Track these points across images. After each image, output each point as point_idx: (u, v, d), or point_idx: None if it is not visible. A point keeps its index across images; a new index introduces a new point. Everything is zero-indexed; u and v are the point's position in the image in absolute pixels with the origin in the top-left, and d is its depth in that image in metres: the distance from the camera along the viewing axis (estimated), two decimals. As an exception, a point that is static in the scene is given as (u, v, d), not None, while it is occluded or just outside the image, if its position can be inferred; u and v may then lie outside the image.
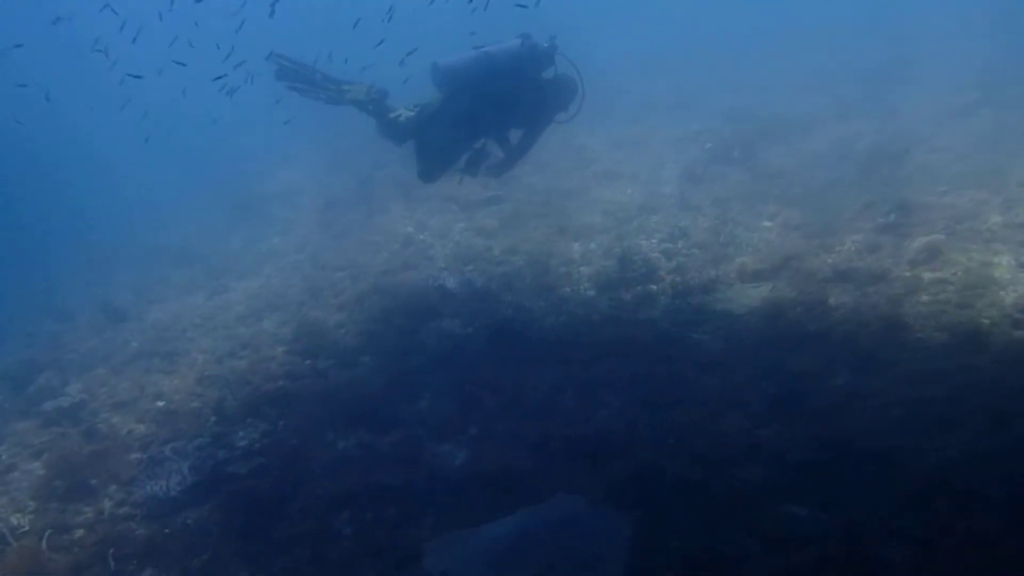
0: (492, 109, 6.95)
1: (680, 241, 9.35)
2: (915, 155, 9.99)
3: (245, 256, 11.84)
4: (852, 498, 4.24)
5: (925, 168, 9.49)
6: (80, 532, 5.62)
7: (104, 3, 10.23)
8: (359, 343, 7.87)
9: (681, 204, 10.52)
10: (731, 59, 17.55)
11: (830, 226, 8.60)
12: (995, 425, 4.42)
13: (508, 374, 6.88)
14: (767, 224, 9.41)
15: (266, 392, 6.99)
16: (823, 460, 4.64)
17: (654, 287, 8.20)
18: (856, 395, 5.36)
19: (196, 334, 8.96)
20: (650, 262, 8.71)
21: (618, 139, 13.85)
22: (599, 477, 5.04)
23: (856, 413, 5.10)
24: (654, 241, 9.53)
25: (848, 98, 13.99)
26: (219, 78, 8.82)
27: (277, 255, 11.56)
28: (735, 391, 5.85)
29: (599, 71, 8.41)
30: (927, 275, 6.70)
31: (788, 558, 3.96)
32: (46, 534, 5.52)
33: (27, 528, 5.68)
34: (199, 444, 6.32)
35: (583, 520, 4.64)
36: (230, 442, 6.27)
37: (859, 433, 4.81)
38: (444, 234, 11.01)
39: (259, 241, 12.42)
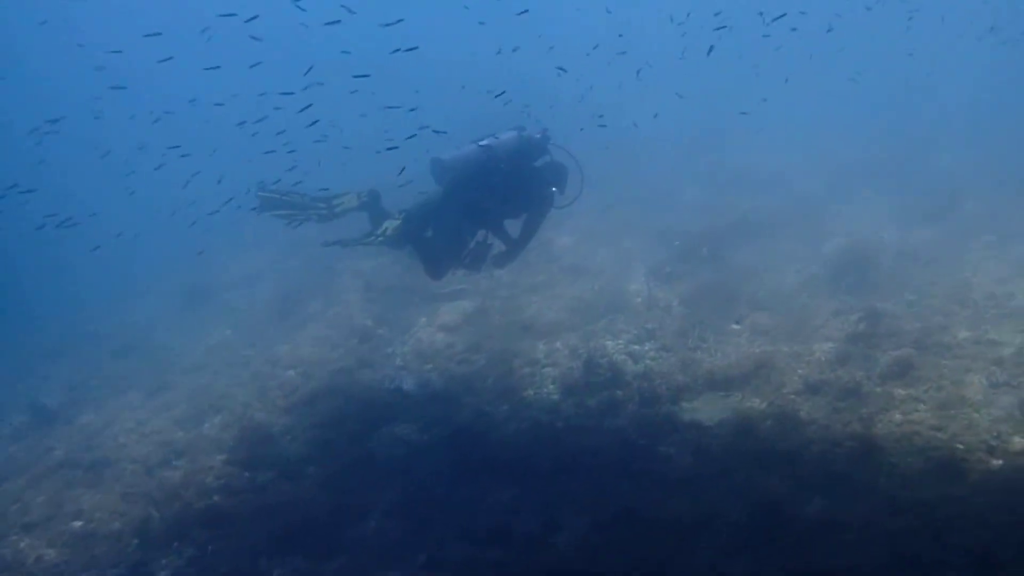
0: (493, 201, 7.04)
1: (647, 343, 9.21)
2: (882, 260, 10.09)
3: (193, 350, 11.42)
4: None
5: (892, 275, 9.58)
6: None
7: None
8: (306, 451, 7.48)
9: (649, 303, 10.44)
10: (704, 152, 17.97)
11: (799, 332, 8.56)
12: (982, 571, 4.19)
13: (464, 490, 6.55)
14: (736, 327, 9.34)
15: (198, 510, 6.53)
16: (797, 603, 4.36)
17: (620, 393, 8.00)
18: (831, 524, 5.12)
19: (128, 440, 8.46)
20: (616, 365, 8.53)
21: (586, 232, 13.90)
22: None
23: (831, 547, 4.85)
24: (621, 342, 9.38)
25: (815, 198, 14.30)
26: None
27: (227, 349, 11.18)
28: (704, 516, 5.58)
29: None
30: (899, 391, 6.61)
31: None
32: None
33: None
34: None
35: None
36: (150, 572, 5.76)
37: (835, 571, 4.55)
38: (405, 329, 10.77)
39: (210, 333, 12.03)
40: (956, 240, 10.70)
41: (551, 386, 8.51)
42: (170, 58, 12.06)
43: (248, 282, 14.54)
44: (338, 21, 8.54)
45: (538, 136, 7.19)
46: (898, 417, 6.19)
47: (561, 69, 9.88)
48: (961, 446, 5.56)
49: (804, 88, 17.62)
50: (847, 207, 13.50)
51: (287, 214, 7.28)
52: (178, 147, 9.76)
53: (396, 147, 7.84)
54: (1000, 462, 5.29)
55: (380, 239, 6.99)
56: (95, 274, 16.83)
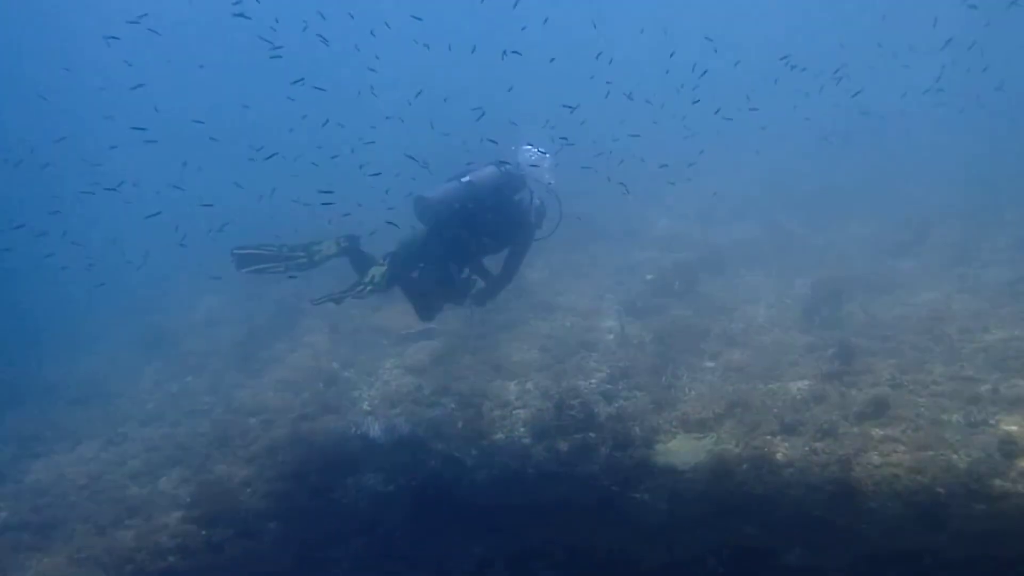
0: (477, 238, 7.06)
1: (621, 382, 9.07)
2: (855, 294, 10.11)
3: (152, 397, 11.04)
4: None
5: (866, 308, 9.57)
6: None
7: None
8: (266, 506, 7.19)
9: (621, 340, 10.33)
10: (675, 181, 18.01)
11: (773, 369, 8.48)
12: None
13: (432, 544, 6.34)
14: (710, 364, 9.26)
15: (151, 574, 6.20)
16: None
17: (593, 435, 7.83)
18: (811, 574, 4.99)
19: (79, 498, 8.07)
20: (589, 406, 8.37)
21: (558, 267, 13.81)
22: None
23: (812, 601, 4.71)
24: (593, 382, 9.23)
25: (787, 227, 14.39)
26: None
27: (188, 396, 10.82)
28: (681, 567, 5.41)
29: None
30: (876, 431, 6.52)
31: None
32: None
33: None
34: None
35: None
36: (96, 646, 5.44)
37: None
38: (371, 371, 10.52)
39: (170, 379, 11.66)
40: (928, 272, 10.78)
41: (522, 429, 8.31)
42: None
43: (211, 323, 14.19)
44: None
45: (517, 169, 7.24)
46: (876, 459, 6.09)
47: (568, 107, 9.75)
48: (942, 491, 5.47)
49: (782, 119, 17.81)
50: (818, 236, 13.60)
51: (265, 268, 7.14)
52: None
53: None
54: (982, 507, 5.20)
55: (370, 288, 6.91)
56: (57, 312, 16.41)
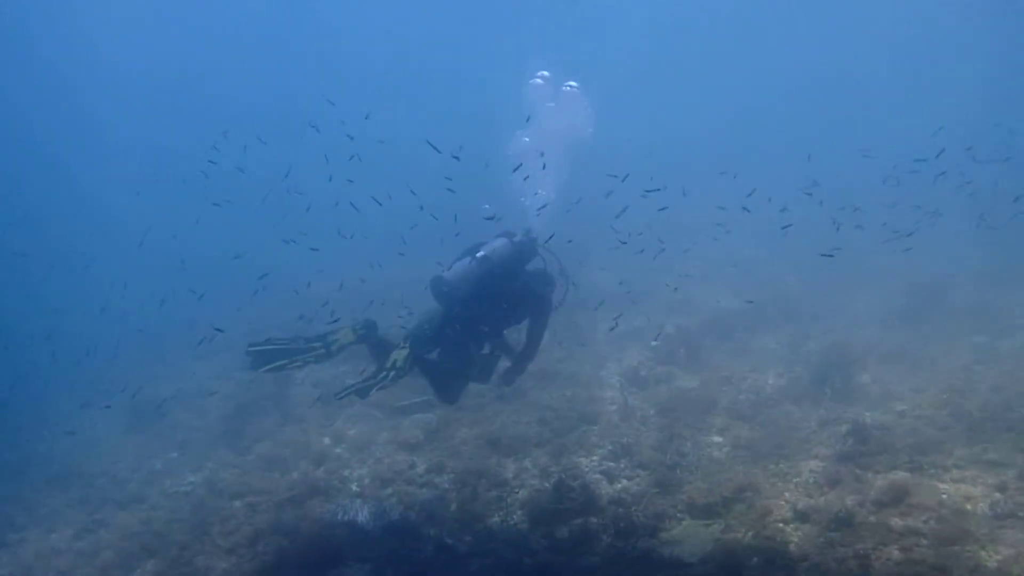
0: (495, 314, 6.96)
1: (623, 460, 8.73)
2: (867, 363, 9.80)
3: (134, 476, 10.66)
4: None
5: (878, 379, 9.26)
6: None
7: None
8: (243, 605, 6.79)
9: (623, 413, 10.00)
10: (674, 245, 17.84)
11: (784, 447, 8.13)
12: None
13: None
14: (717, 439, 8.91)
15: None
16: None
17: (594, 520, 7.46)
18: None
19: (45, 598, 7.69)
20: (589, 488, 8.02)
21: (557, 335, 13.53)
22: None
23: None
24: (595, 459, 8.90)
25: (791, 292, 14.14)
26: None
27: (170, 475, 10.45)
28: None
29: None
30: (896, 521, 6.14)
31: None
32: None
33: None
34: None
35: None
36: None
37: None
38: (363, 447, 10.18)
39: (154, 456, 11.30)
40: (943, 340, 10.47)
41: (519, 512, 7.96)
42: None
43: (200, 394, 13.87)
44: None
45: (526, 239, 7.17)
46: (897, 555, 5.70)
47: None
48: (969, 595, 5.08)
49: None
50: (826, 301, 13.33)
51: (283, 364, 6.93)
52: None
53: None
54: (1013, 614, 4.81)
55: (392, 374, 6.68)
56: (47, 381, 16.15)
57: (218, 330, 9.73)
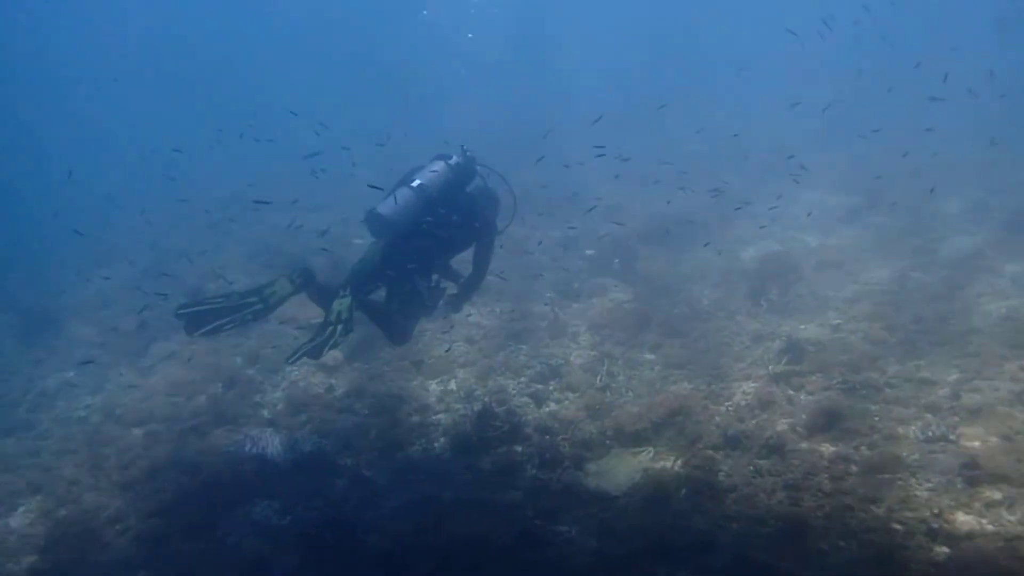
0: (439, 244, 6.64)
1: (551, 382, 8.42)
2: (805, 272, 9.57)
3: (25, 398, 9.91)
4: None
5: (815, 290, 9.06)
6: None
7: None
8: (135, 551, 6.31)
9: (554, 329, 9.64)
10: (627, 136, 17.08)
11: (717, 365, 7.90)
12: None
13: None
14: (648, 357, 8.65)
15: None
16: None
17: (519, 449, 7.18)
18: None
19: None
20: (515, 413, 7.72)
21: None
22: None
23: None
24: (522, 380, 8.57)
25: (729, 193, 13.73)
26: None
27: (66, 397, 9.73)
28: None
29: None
30: (827, 447, 5.99)
31: None
32: None
33: None
34: None
35: None
36: None
37: None
38: (279, 368, 9.61)
39: (48, 374, 10.52)
40: (883, 245, 10.29)
41: (442, 440, 7.62)
42: None
43: (103, 305, 12.99)
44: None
45: (464, 160, 6.75)
46: (827, 484, 5.55)
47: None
48: (899, 527, 4.94)
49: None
50: (762, 204, 12.96)
51: (220, 324, 6.30)
52: None
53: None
54: (945, 550, 4.68)
55: (341, 328, 6.17)
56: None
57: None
